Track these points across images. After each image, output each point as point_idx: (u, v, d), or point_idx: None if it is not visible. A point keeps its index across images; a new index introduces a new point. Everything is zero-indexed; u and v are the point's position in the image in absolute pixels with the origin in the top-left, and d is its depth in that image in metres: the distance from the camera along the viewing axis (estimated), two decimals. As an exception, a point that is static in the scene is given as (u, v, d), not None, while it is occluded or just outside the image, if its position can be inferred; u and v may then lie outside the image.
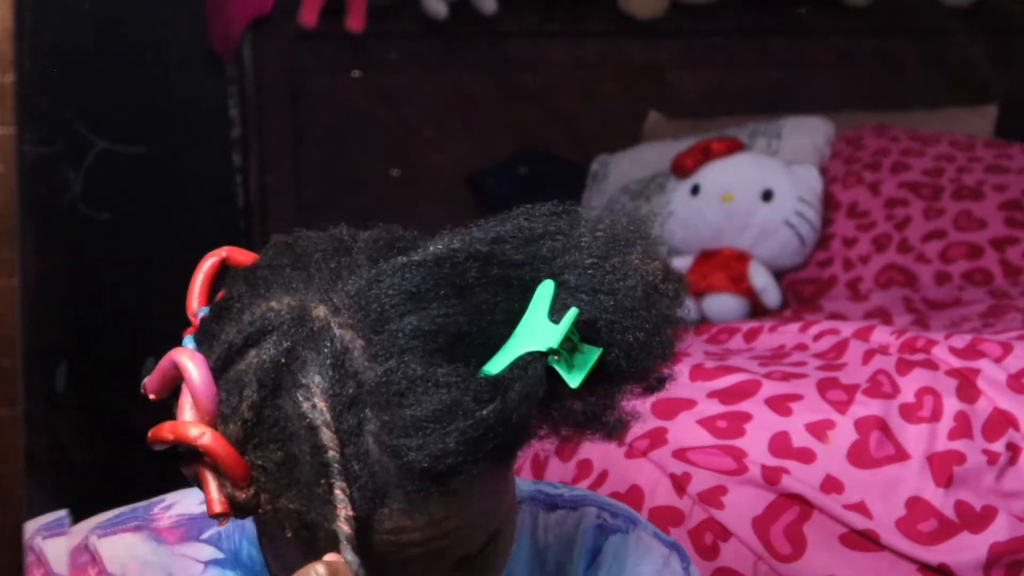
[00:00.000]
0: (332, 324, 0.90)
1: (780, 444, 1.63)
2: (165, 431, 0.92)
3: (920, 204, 2.79)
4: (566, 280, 0.92)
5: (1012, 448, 1.64)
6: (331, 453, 0.87)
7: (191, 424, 0.91)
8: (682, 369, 1.78)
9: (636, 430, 1.68)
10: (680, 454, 1.64)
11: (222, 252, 0.98)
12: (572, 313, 0.89)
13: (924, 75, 3.37)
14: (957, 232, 2.73)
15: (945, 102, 3.27)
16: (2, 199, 0.70)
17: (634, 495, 1.63)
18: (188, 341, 0.95)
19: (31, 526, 1.07)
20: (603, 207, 2.98)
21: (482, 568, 0.97)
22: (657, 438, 1.66)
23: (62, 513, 1.10)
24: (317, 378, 0.88)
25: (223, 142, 3.21)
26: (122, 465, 3.10)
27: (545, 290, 0.91)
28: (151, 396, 0.95)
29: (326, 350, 0.88)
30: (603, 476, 1.67)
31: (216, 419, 0.91)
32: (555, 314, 0.90)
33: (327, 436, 0.87)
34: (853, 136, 3.01)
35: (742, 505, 1.60)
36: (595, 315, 0.91)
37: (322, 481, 0.87)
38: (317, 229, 0.99)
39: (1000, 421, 1.67)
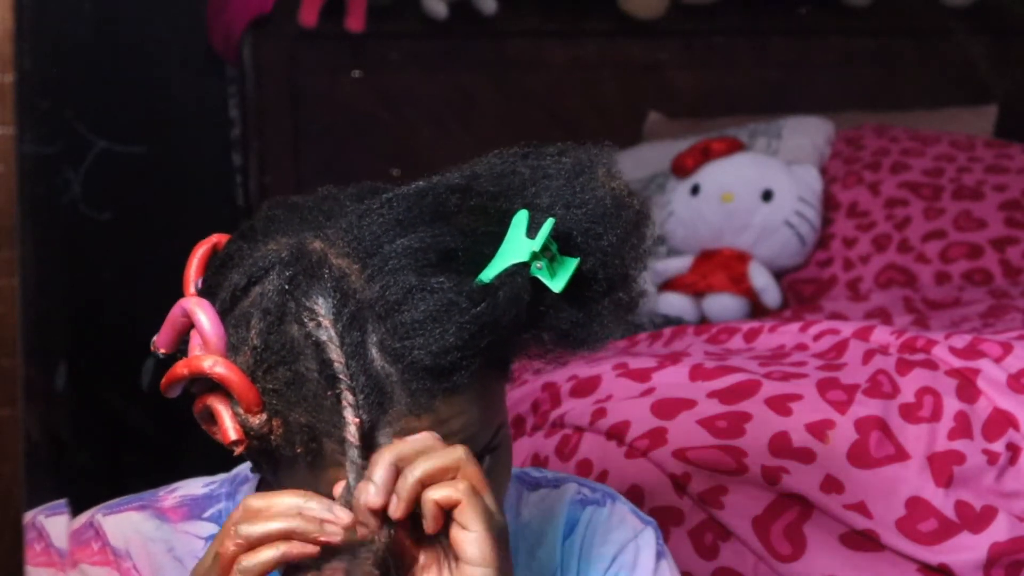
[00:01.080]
0: (329, 254, 0.97)
1: (780, 444, 1.63)
2: (179, 368, 0.98)
3: (920, 204, 2.79)
4: (539, 204, 0.99)
5: (1012, 448, 1.64)
6: (337, 365, 0.93)
7: (203, 356, 0.97)
8: (682, 370, 1.78)
9: (636, 430, 1.68)
10: (680, 454, 1.64)
11: (213, 239, 1.05)
12: (549, 223, 0.96)
13: (924, 75, 3.36)
14: (957, 232, 2.73)
15: (945, 102, 3.27)
16: (2, 199, 0.70)
17: (634, 495, 1.63)
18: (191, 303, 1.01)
19: (31, 513, 1.08)
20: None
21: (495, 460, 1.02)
22: (657, 438, 1.66)
23: (61, 501, 1.12)
24: (320, 299, 0.94)
25: (223, 142, 3.21)
26: (122, 465, 3.10)
27: (521, 217, 0.97)
28: (161, 351, 1.02)
29: (326, 275, 0.95)
30: (603, 476, 1.67)
31: (226, 355, 0.97)
32: (532, 233, 0.97)
33: (333, 350, 0.93)
34: (853, 136, 3.01)
35: (742, 505, 1.60)
36: (569, 227, 0.98)
37: (329, 393, 0.94)
38: None
39: (1000, 421, 1.67)
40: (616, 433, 1.69)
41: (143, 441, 3.08)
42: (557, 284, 0.97)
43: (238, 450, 0.97)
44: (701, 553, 1.59)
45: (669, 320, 2.57)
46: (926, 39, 3.37)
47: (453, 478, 0.93)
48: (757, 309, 2.69)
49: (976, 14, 3.33)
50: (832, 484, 1.59)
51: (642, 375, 1.78)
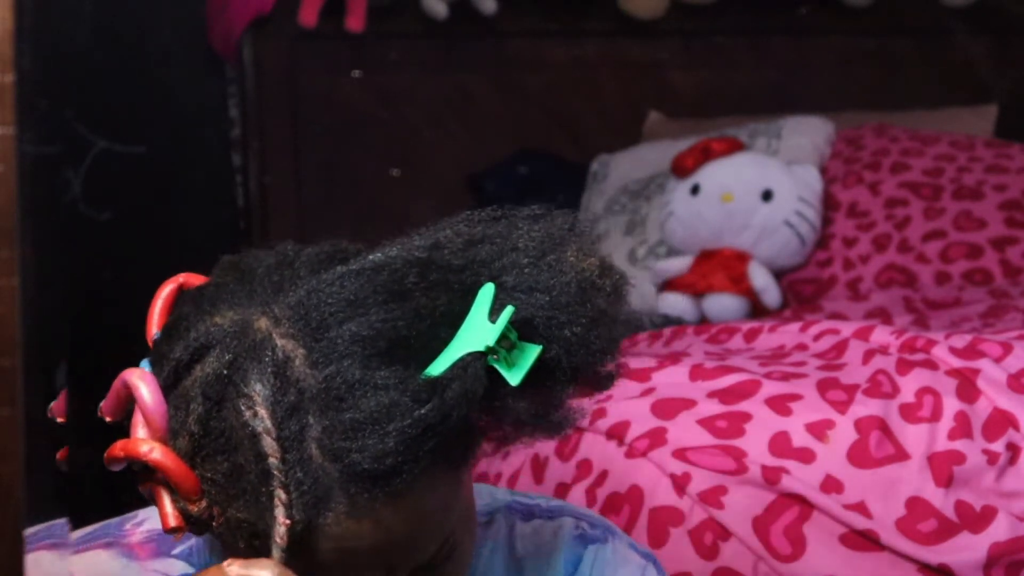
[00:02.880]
0: (274, 334, 0.91)
1: (780, 444, 1.63)
2: (117, 449, 0.94)
3: (920, 204, 2.79)
4: (505, 281, 0.93)
5: (1012, 448, 1.64)
6: (272, 460, 0.88)
7: (141, 441, 0.92)
8: (682, 369, 1.78)
9: (636, 430, 1.68)
10: (680, 454, 1.64)
11: (179, 278, 1.01)
12: (508, 312, 0.90)
13: (924, 75, 3.36)
14: (957, 232, 2.73)
15: (945, 102, 3.27)
16: (2, 199, 0.70)
17: (634, 495, 1.63)
18: (145, 364, 0.98)
19: (32, 531, 1.07)
20: (603, 207, 2.98)
21: (439, 575, 0.97)
22: (657, 438, 1.66)
23: (62, 521, 1.10)
24: (259, 387, 0.89)
25: (223, 142, 3.21)
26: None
27: (486, 293, 0.92)
28: (107, 419, 0.97)
29: (267, 359, 0.90)
30: (603, 476, 1.67)
31: (166, 435, 0.93)
32: (494, 315, 0.91)
33: (268, 443, 0.88)
34: (853, 136, 3.01)
35: (742, 505, 1.59)
36: (531, 313, 0.92)
37: (264, 489, 0.89)
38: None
39: (1000, 421, 1.67)
40: (616, 433, 1.69)
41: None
42: (515, 376, 0.90)
43: (176, 537, 0.95)
44: (701, 553, 1.59)
45: (669, 320, 2.57)
46: (926, 39, 3.37)
47: None
48: (757, 309, 2.69)
49: (976, 14, 3.33)
50: (832, 484, 1.59)
51: (642, 375, 1.78)
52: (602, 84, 3.30)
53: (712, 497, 1.60)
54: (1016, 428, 1.66)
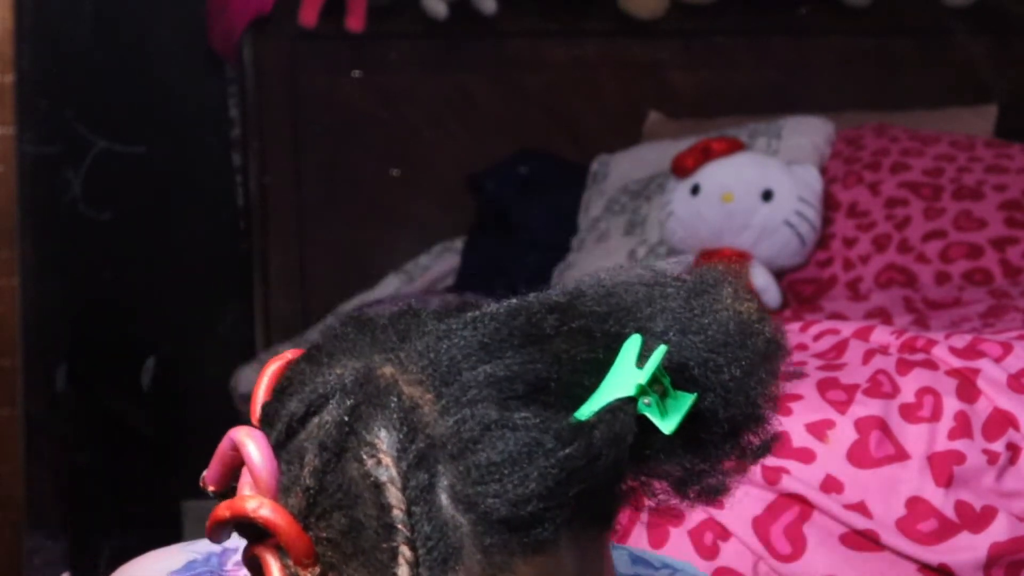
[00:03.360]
0: (399, 381, 0.83)
1: (780, 444, 1.63)
2: (222, 510, 0.85)
3: (920, 204, 2.79)
4: (653, 328, 0.86)
5: (1012, 448, 1.64)
6: (396, 512, 0.80)
7: (249, 498, 0.84)
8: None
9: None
10: (680, 454, 1.63)
11: (287, 355, 0.91)
12: (660, 351, 0.83)
13: (924, 75, 3.36)
14: (957, 232, 2.73)
15: (945, 102, 3.27)
16: (2, 199, 0.70)
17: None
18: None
19: None
20: (603, 207, 2.98)
21: None
22: (657, 438, 1.66)
23: None
24: (383, 433, 0.81)
25: (223, 142, 3.21)
26: (122, 465, 3.10)
27: (632, 343, 0.84)
28: (211, 489, 0.88)
29: (393, 405, 0.82)
30: (603, 476, 1.67)
31: (276, 495, 0.84)
32: (644, 361, 0.83)
33: (393, 494, 0.81)
34: (853, 136, 3.01)
35: (742, 505, 1.59)
36: (685, 356, 0.85)
37: (386, 546, 0.81)
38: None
39: (1000, 421, 1.66)
40: (616, 433, 1.69)
41: (143, 441, 3.08)
42: (668, 424, 0.83)
43: None
44: (701, 553, 1.59)
45: (669, 320, 2.57)
46: (926, 39, 3.37)
47: None
48: (757, 309, 2.69)
49: (976, 14, 3.33)
50: (832, 484, 1.59)
51: (642, 375, 1.78)
52: (602, 84, 3.30)
53: (712, 497, 1.60)
54: (1016, 428, 1.66)
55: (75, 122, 3.05)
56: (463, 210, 3.10)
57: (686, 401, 0.84)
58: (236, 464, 0.86)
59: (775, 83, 3.34)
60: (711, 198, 2.74)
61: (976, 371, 1.72)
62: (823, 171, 2.89)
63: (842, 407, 1.67)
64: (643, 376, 0.82)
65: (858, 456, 1.62)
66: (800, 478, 1.60)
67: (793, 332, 1.96)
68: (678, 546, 1.58)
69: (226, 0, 3.08)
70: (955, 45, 3.34)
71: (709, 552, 1.59)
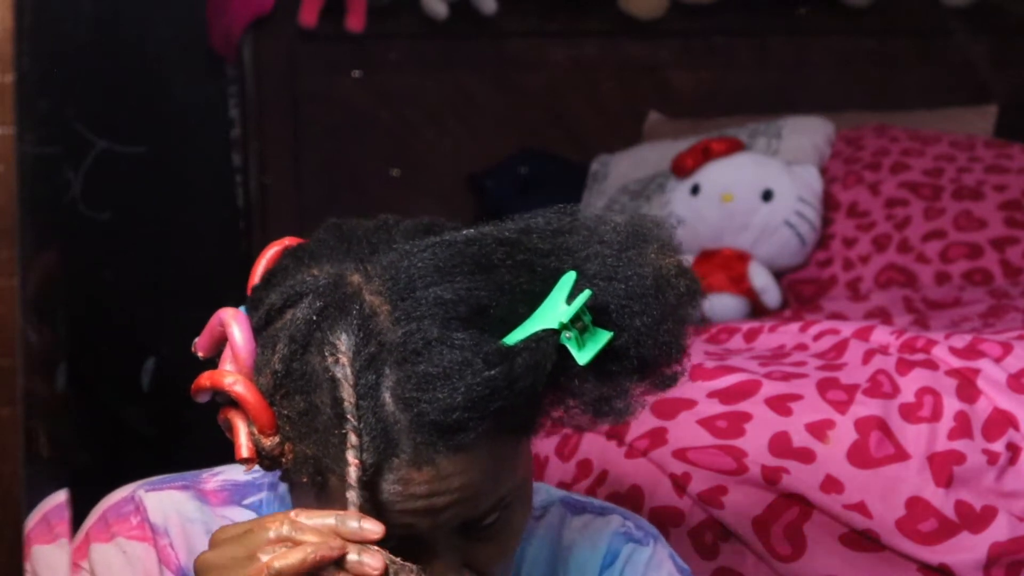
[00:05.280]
0: (363, 290, 0.97)
1: (780, 444, 1.63)
2: (204, 379, 1.00)
3: (920, 204, 2.79)
4: (587, 270, 0.97)
5: (1012, 448, 1.64)
6: (347, 404, 0.93)
7: (227, 373, 0.99)
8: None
9: (636, 430, 1.68)
10: (680, 454, 1.64)
11: (285, 241, 1.07)
12: (585, 294, 0.95)
13: (924, 75, 3.36)
14: (957, 232, 2.73)
15: (945, 102, 3.27)
16: (2, 199, 0.70)
17: (634, 495, 1.63)
18: (244, 309, 1.03)
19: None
20: (603, 207, 2.98)
21: (488, 538, 1.02)
22: (657, 438, 1.66)
23: (61, 501, 1.14)
24: (343, 336, 0.95)
25: (223, 142, 3.21)
26: (122, 465, 3.10)
27: (567, 279, 0.96)
28: (200, 354, 1.03)
29: (354, 311, 0.96)
30: (603, 476, 1.67)
31: (251, 372, 0.99)
32: (571, 299, 0.95)
33: (346, 389, 0.93)
34: (853, 136, 3.01)
35: (742, 505, 1.59)
36: (607, 300, 0.97)
37: (336, 431, 0.94)
38: (312, 231, 1.06)
39: (1000, 421, 1.67)
40: (616, 433, 1.69)
41: (143, 441, 3.08)
42: (584, 356, 0.96)
43: (247, 467, 0.99)
44: (701, 553, 1.59)
45: (669, 320, 2.57)
46: (926, 39, 3.37)
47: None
48: (757, 309, 2.69)
49: (976, 14, 3.33)
50: (832, 484, 1.59)
51: (642, 375, 1.78)
52: (602, 84, 3.30)
53: (712, 497, 1.60)
54: (1016, 428, 1.66)
55: (75, 122, 3.05)
56: (463, 210, 3.10)
57: (602, 338, 0.96)
58: (223, 338, 1.01)
59: (775, 83, 3.34)
60: (711, 198, 2.74)
61: (976, 371, 1.72)
62: (823, 171, 2.89)
63: (842, 407, 1.67)
64: (567, 315, 0.94)
65: (858, 456, 1.62)
66: (800, 478, 1.60)
67: (793, 332, 1.97)
68: (678, 546, 1.59)
69: (226, 0, 3.08)
70: (955, 45, 3.34)
71: (709, 552, 1.59)
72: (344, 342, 0.95)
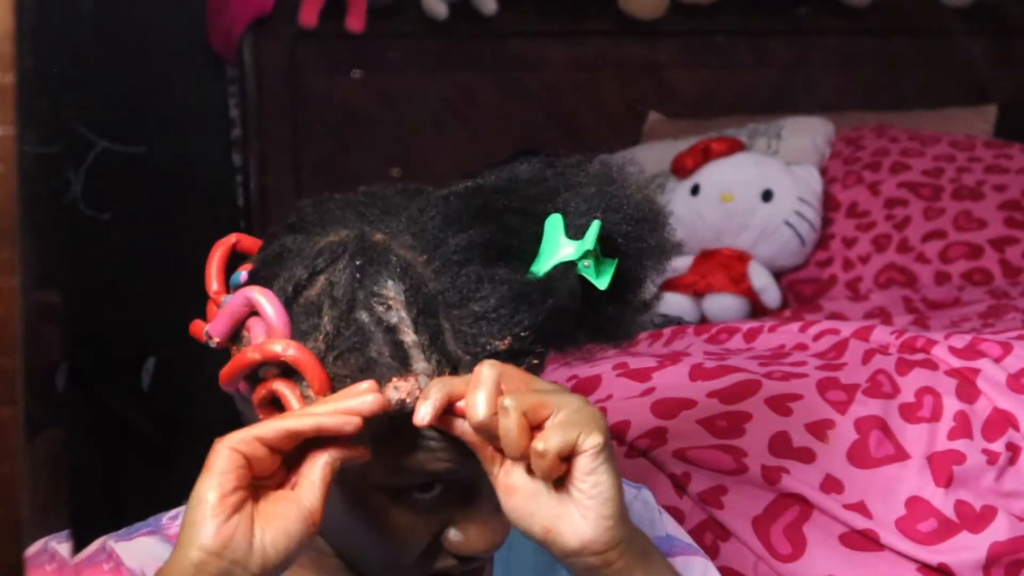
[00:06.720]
0: (392, 245, 0.99)
1: (780, 444, 1.63)
2: (249, 353, 0.98)
3: (920, 204, 2.79)
4: (571, 209, 1.01)
5: (1012, 448, 1.64)
6: (411, 346, 0.96)
7: (275, 341, 0.97)
8: (682, 369, 1.78)
9: (636, 430, 1.68)
10: (680, 454, 1.64)
11: (232, 238, 1.07)
12: (596, 225, 0.99)
13: (924, 75, 3.37)
14: (957, 232, 2.73)
15: (945, 102, 3.27)
16: (2, 199, 0.70)
17: (634, 495, 1.63)
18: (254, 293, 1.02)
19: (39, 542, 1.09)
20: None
21: None
22: (657, 438, 1.66)
23: (64, 532, 1.13)
24: (390, 283, 0.97)
25: (223, 142, 3.21)
26: (122, 465, 3.10)
27: (555, 220, 1.00)
28: (215, 340, 1.02)
29: (393, 262, 0.97)
30: (603, 476, 1.67)
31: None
32: (573, 235, 1.00)
33: (407, 332, 0.96)
34: (853, 136, 3.01)
35: (742, 505, 1.59)
36: (609, 230, 1.01)
37: (401, 376, 0.96)
38: None
39: (1000, 421, 1.67)
40: (616, 433, 1.69)
41: (143, 441, 3.08)
42: (602, 282, 1.00)
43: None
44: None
45: (669, 320, 2.57)
46: (926, 39, 3.37)
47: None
48: (757, 309, 2.69)
49: (976, 14, 3.34)
50: (832, 484, 1.59)
51: (642, 375, 1.78)
52: (602, 84, 3.30)
53: (712, 497, 1.60)
54: (1016, 428, 1.66)
55: (75, 122, 3.05)
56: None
57: (612, 264, 1.01)
58: (244, 319, 1.00)
59: (775, 83, 3.34)
60: (711, 198, 2.74)
61: (976, 371, 1.72)
62: (823, 171, 2.89)
63: (842, 407, 1.67)
64: (588, 243, 0.99)
65: (858, 456, 1.62)
66: (800, 478, 1.60)
67: (793, 332, 1.97)
68: (678, 546, 1.59)
69: (226, 0, 3.08)
70: (955, 45, 3.34)
71: (709, 552, 1.59)
72: (392, 289, 0.96)
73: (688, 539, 1.25)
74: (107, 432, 3.06)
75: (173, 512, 1.18)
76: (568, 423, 0.95)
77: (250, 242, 1.08)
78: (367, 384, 0.94)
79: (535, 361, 0.99)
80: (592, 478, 0.96)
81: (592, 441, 0.95)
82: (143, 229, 3.13)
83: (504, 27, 3.21)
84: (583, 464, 0.96)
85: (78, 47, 2.96)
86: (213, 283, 1.06)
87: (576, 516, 0.97)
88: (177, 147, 3.18)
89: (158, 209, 3.14)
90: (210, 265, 1.06)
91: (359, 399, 0.94)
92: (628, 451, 1.67)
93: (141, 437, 3.09)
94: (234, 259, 1.09)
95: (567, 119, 3.28)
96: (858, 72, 3.38)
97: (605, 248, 1.01)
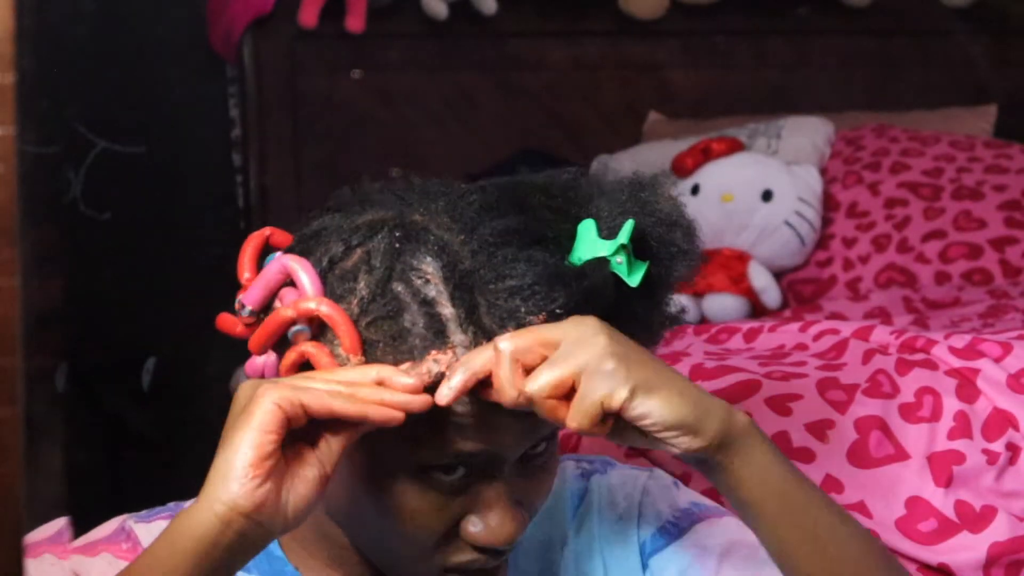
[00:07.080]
0: (431, 226, 1.01)
1: (780, 444, 1.63)
2: (281, 311, 0.99)
3: (920, 204, 2.79)
4: (603, 215, 1.03)
5: (1012, 448, 1.64)
6: (448, 320, 0.97)
7: (310, 298, 0.98)
8: (682, 369, 1.78)
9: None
10: (680, 454, 1.63)
11: (267, 231, 1.07)
12: (630, 223, 1.01)
13: (924, 75, 3.36)
14: (957, 232, 2.73)
15: (945, 102, 3.27)
16: (2, 199, 0.70)
17: (634, 495, 1.63)
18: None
19: (34, 536, 1.09)
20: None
21: (532, 474, 1.06)
22: (657, 438, 1.66)
23: (61, 521, 1.13)
24: (428, 258, 0.98)
25: (223, 142, 3.21)
26: (122, 465, 3.10)
27: (588, 224, 1.02)
28: (249, 308, 1.02)
29: (431, 240, 0.99)
30: (603, 476, 1.67)
31: None
32: (605, 234, 1.02)
33: (444, 305, 0.97)
34: (853, 136, 3.01)
35: (742, 505, 1.59)
36: (642, 231, 1.03)
37: (435, 351, 0.96)
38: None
39: (1000, 421, 1.66)
40: (616, 433, 1.69)
41: (143, 441, 3.08)
42: (634, 279, 1.01)
43: None
44: (701, 553, 1.59)
45: (669, 320, 2.57)
46: (926, 39, 3.37)
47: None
48: (757, 309, 2.69)
49: (976, 14, 3.33)
50: (832, 484, 1.59)
51: (642, 375, 1.78)
52: (602, 84, 3.30)
53: (712, 497, 1.60)
54: (1016, 428, 1.66)
55: (75, 122, 3.05)
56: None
57: (643, 265, 1.02)
58: (279, 287, 1.01)
59: (775, 83, 3.34)
60: (711, 198, 2.74)
61: (976, 371, 1.72)
62: (823, 171, 2.89)
63: (842, 407, 1.67)
64: (622, 238, 1.00)
65: (858, 456, 1.62)
66: (800, 478, 1.60)
67: (793, 332, 1.96)
68: (678, 546, 1.59)
69: (226, 0, 3.08)
70: (955, 45, 3.34)
71: (709, 552, 1.59)
72: (430, 264, 0.98)
73: (710, 502, 1.25)
74: (107, 432, 3.06)
75: (191, 503, 1.17)
76: (557, 360, 0.96)
77: (283, 236, 1.08)
78: (408, 380, 0.95)
79: None
80: (641, 422, 0.98)
81: (618, 396, 0.96)
82: (143, 229, 3.13)
83: (504, 27, 3.21)
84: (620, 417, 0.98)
85: (78, 47, 2.96)
86: (245, 271, 1.06)
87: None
88: (177, 147, 3.18)
89: (158, 209, 3.14)
90: (243, 255, 1.06)
91: (406, 397, 0.94)
92: (628, 450, 1.67)
93: (141, 437, 3.09)
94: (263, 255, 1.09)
95: (567, 119, 3.28)
96: (858, 72, 3.37)
97: (637, 250, 1.02)
